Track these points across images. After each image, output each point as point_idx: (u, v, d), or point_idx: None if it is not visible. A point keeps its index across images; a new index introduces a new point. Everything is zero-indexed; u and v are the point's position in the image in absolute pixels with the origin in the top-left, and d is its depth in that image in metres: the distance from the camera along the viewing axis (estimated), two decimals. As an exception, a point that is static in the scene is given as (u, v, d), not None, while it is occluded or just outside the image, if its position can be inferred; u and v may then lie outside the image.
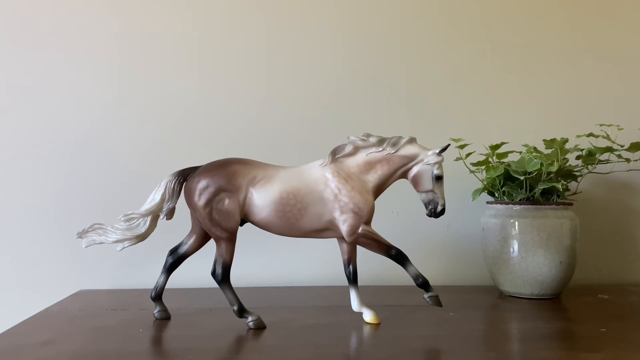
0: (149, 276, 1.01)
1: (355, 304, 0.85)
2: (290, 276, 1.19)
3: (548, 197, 1.06)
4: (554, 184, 1.01)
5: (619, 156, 1.07)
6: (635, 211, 1.27)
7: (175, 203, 0.85)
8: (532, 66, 1.26)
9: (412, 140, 0.85)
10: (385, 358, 0.68)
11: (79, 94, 1.18)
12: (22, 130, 1.17)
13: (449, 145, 0.86)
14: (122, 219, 0.84)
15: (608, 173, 1.11)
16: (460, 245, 1.23)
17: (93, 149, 1.18)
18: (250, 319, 0.81)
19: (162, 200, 0.84)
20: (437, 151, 0.84)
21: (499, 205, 1.06)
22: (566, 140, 1.04)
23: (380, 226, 0.86)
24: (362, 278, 0.89)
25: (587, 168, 1.09)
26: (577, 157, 1.09)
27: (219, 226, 0.80)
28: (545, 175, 1.03)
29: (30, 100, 1.17)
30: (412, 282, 0.84)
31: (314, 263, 1.19)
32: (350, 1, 1.23)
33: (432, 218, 0.85)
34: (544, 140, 1.06)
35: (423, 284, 0.84)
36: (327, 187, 0.82)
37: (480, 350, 0.73)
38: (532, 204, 1.03)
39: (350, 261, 0.86)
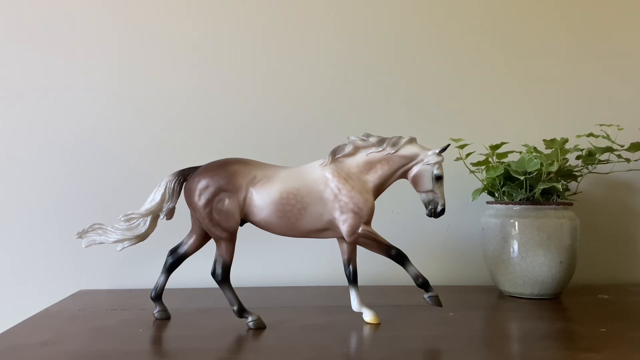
0: (149, 276, 1.02)
1: (355, 304, 0.85)
2: (290, 276, 1.19)
3: (548, 197, 1.06)
4: (554, 184, 1.01)
5: (619, 156, 1.07)
6: (635, 211, 1.27)
7: (175, 203, 0.85)
8: (532, 66, 1.26)
9: (412, 140, 0.85)
10: (385, 358, 0.67)
11: (78, 94, 1.18)
12: (22, 130, 1.17)
13: (449, 145, 0.86)
14: (122, 219, 0.84)
15: (608, 173, 1.11)
16: (460, 245, 1.23)
17: (93, 149, 1.18)
18: (250, 319, 0.81)
19: (162, 200, 0.84)
20: (437, 151, 0.84)
21: (499, 205, 1.06)
22: (566, 140, 1.04)
23: (380, 226, 0.86)
24: (362, 278, 0.89)
25: (587, 168, 1.09)
26: (577, 157, 1.09)
27: (219, 226, 0.80)
28: (545, 175, 1.03)
29: (29, 100, 1.17)
30: (412, 282, 0.84)
31: (314, 263, 1.19)
32: (350, 0, 1.24)
33: (432, 218, 0.85)
34: (544, 140, 1.06)
35: (423, 284, 0.84)
36: (327, 187, 0.82)
37: (480, 350, 0.73)
38: (532, 204, 1.03)
39: (350, 261, 0.86)
